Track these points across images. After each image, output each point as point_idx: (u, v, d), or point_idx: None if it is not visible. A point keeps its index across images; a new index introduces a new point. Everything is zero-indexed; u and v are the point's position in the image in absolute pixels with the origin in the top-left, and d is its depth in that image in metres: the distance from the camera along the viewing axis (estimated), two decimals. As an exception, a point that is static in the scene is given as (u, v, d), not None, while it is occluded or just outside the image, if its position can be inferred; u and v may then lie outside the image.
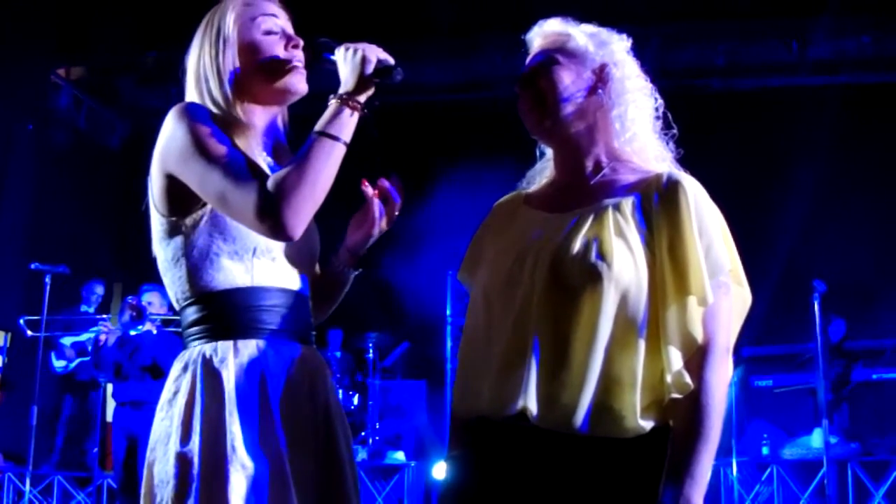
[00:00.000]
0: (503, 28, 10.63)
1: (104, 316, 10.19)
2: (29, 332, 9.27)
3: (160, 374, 8.50)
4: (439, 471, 10.41)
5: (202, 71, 2.71)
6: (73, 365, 11.00)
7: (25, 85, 12.26)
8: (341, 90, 2.56)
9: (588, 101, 2.56)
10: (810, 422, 9.86)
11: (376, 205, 2.88)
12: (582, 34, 2.61)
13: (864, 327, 10.45)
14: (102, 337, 9.57)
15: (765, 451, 9.67)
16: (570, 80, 2.56)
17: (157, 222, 2.67)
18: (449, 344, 12.34)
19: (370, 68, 2.56)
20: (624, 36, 2.66)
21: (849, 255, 10.42)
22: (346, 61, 2.59)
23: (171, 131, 2.57)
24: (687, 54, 12.03)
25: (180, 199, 2.60)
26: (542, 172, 2.75)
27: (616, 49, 2.61)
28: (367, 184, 2.88)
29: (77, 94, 13.31)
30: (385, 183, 2.89)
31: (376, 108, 2.59)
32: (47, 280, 9.06)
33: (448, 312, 12.42)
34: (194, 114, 2.58)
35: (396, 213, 2.92)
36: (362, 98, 2.56)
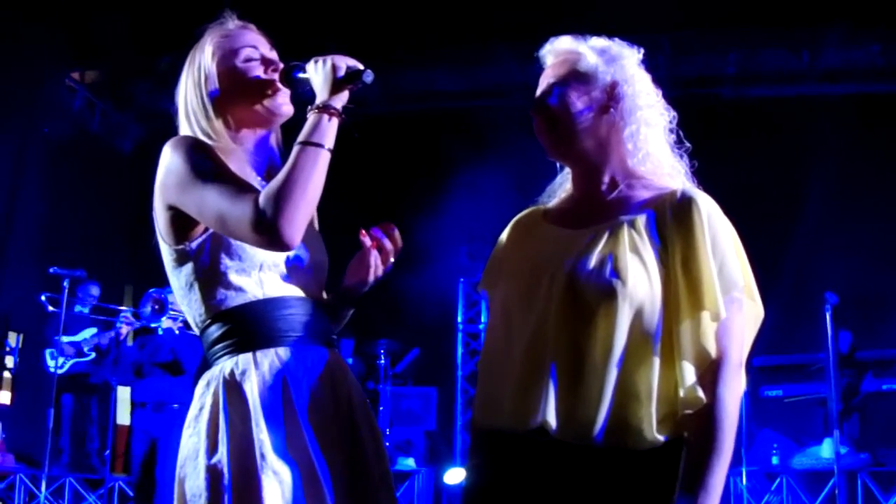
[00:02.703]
0: (516, 36, 10.66)
1: (123, 308, 10.20)
2: (50, 308, 9.27)
3: (180, 371, 8.53)
4: (450, 477, 10.42)
5: (189, 105, 2.80)
6: (68, 365, 10.99)
7: (40, 88, 12.31)
8: (317, 100, 2.61)
9: (600, 120, 2.58)
10: (820, 432, 9.86)
11: (373, 255, 2.93)
12: (592, 52, 2.63)
13: (874, 338, 10.43)
14: (124, 329, 9.61)
15: (774, 460, 9.67)
16: (581, 102, 2.58)
17: (167, 253, 2.74)
18: (460, 350, 12.36)
19: (341, 73, 2.61)
20: (635, 49, 2.67)
21: (859, 265, 10.40)
22: (317, 72, 2.64)
23: (167, 165, 2.64)
24: (697, 63, 12.05)
25: (184, 227, 2.67)
26: (562, 186, 2.79)
27: (627, 64, 2.63)
28: (364, 234, 2.92)
29: (91, 98, 13.36)
30: (379, 233, 2.93)
31: (353, 112, 2.63)
32: (65, 284, 9.07)
33: (459, 319, 12.44)
34: (186, 145, 2.66)
35: (392, 260, 2.97)
36: (338, 104, 2.60)
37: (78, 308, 10.72)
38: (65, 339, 10.87)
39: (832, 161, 10.82)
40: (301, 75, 2.71)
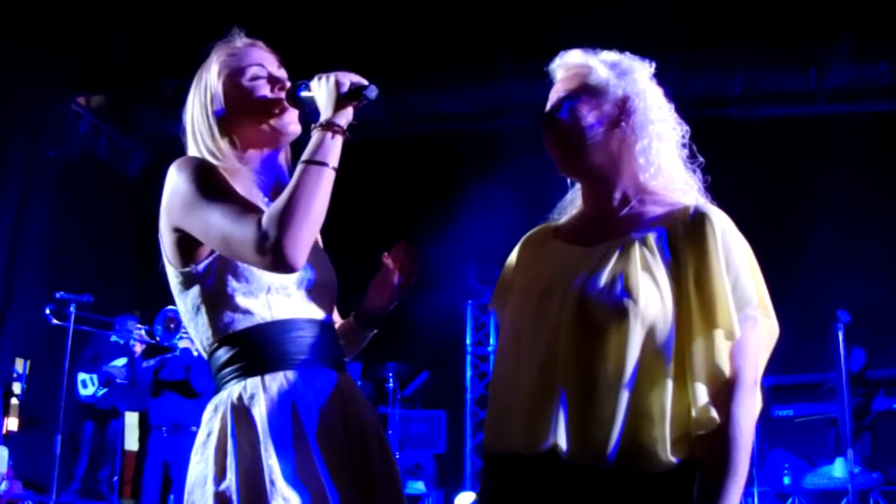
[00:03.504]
0: (522, 56, 10.66)
1: (140, 326, 10.17)
2: (54, 321, 9.20)
3: (191, 392, 8.51)
4: (461, 501, 10.39)
5: (195, 125, 2.78)
6: (101, 393, 10.99)
7: (46, 113, 12.33)
8: (321, 118, 2.58)
9: (611, 134, 2.55)
10: (831, 451, 9.82)
11: (396, 277, 2.94)
12: (603, 66, 2.60)
13: (884, 356, 10.40)
14: (138, 348, 9.60)
15: (786, 480, 9.64)
16: (591, 117, 2.55)
17: (173, 276, 2.71)
18: (468, 373, 12.36)
19: (344, 89, 2.58)
20: (647, 62, 2.65)
21: (869, 283, 10.37)
22: (320, 89, 2.61)
23: (173, 186, 2.61)
24: (704, 82, 12.03)
25: (190, 249, 2.64)
26: (573, 203, 2.76)
27: (639, 78, 2.60)
28: (387, 256, 2.93)
29: (97, 122, 13.37)
30: (401, 253, 2.93)
31: (359, 132, 2.60)
32: (72, 309, 9.04)
33: (468, 341, 12.43)
34: (191, 166, 2.63)
35: (414, 280, 2.96)
36: (342, 121, 2.57)
37: (113, 338, 10.68)
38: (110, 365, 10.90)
39: (842, 179, 10.80)
40: (305, 93, 2.68)
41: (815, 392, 10.36)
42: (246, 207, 2.52)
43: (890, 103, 11.88)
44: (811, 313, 9.44)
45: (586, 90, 2.58)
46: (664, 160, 2.56)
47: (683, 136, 2.62)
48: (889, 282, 10.54)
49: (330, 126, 2.55)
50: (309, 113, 2.65)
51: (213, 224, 2.50)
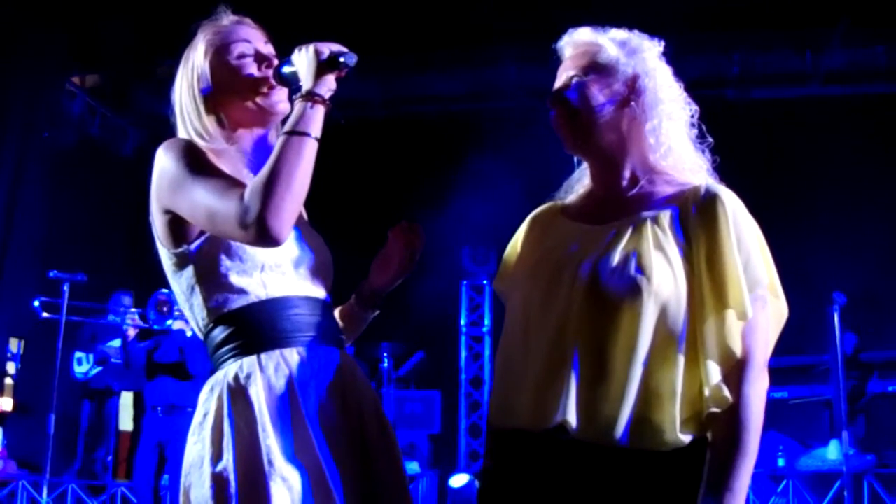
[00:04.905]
0: (516, 39, 10.63)
1: (133, 309, 10.14)
2: (44, 314, 9.16)
3: (185, 374, 8.48)
4: (456, 481, 10.39)
5: (182, 105, 2.76)
6: (93, 372, 10.98)
7: (40, 93, 12.29)
8: (303, 89, 2.56)
9: (620, 114, 2.54)
10: (825, 434, 9.81)
11: (399, 254, 2.93)
12: (613, 45, 2.59)
13: (879, 339, 10.39)
14: (131, 332, 9.57)
15: (780, 463, 9.63)
16: (601, 95, 2.54)
17: (166, 258, 2.69)
18: (463, 354, 12.35)
19: (324, 57, 2.55)
20: (656, 41, 2.64)
21: (864, 266, 10.37)
22: (300, 60, 2.59)
23: (160, 169, 2.60)
24: (701, 64, 12.00)
25: (182, 230, 2.62)
26: (580, 181, 2.74)
27: (648, 56, 2.60)
28: (393, 231, 2.92)
29: (91, 102, 13.34)
30: (405, 230, 2.92)
31: (339, 98, 2.58)
32: (65, 288, 9.01)
33: (462, 322, 12.42)
34: (177, 147, 2.62)
35: (418, 257, 2.96)
36: (323, 90, 2.54)
37: (111, 318, 10.65)
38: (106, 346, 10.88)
39: (837, 161, 10.80)
40: (287, 68, 2.65)
41: (809, 374, 10.35)
42: (230, 184, 2.51)
43: (886, 86, 11.87)
44: (805, 295, 9.44)
45: (596, 68, 2.57)
46: (674, 140, 2.56)
47: (692, 116, 2.62)
48: (884, 264, 10.54)
49: (311, 96, 2.52)
50: (296, 90, 2.63)
51: (199, 202, 2.49)
